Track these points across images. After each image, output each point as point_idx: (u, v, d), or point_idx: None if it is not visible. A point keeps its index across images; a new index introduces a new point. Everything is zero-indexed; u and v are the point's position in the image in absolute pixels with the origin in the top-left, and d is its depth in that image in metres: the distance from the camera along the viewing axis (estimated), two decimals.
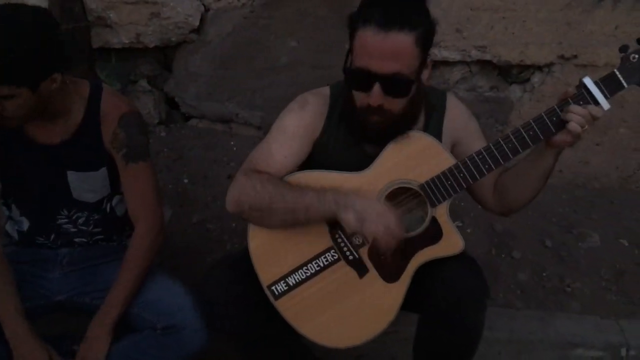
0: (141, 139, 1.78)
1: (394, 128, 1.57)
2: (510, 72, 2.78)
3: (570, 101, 1.50)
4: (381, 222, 1.48)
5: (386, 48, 1.43)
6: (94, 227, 1.87)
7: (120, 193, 1.88)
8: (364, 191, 1.58)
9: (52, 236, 1.86)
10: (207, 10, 2.74)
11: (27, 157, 1.74)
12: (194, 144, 2.93)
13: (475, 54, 2.68)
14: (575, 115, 1.47)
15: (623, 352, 2.16)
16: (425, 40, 1.48)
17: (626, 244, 2.63)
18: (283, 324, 1.70)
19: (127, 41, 2.71)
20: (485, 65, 2.76)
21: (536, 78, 2.76)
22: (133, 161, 1.76)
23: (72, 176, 1.77)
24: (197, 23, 2.72)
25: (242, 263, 1.68)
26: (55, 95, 1.65)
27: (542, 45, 2.64)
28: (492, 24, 2.60)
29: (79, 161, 1.76)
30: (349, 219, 1.49)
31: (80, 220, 1.85)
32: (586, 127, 1.49)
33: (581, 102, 1.51)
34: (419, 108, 1.63)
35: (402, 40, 1.43)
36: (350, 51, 1.55)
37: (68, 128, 1.73)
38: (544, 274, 2.48)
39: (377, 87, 1.47)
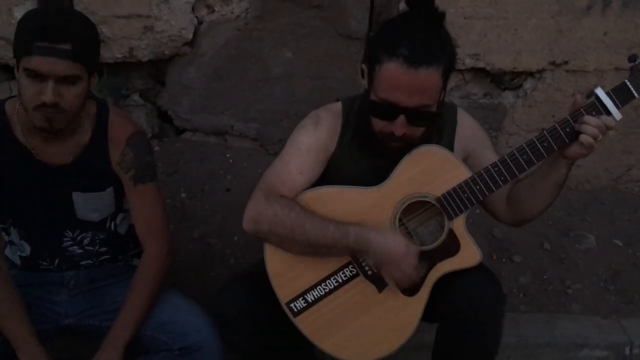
0: (149, 159, 1.77)
1: (409, 149, 1.59)
2: (503, 79, 2.82)
3: (583, 112, 1.53)
4: (399, 269, 1.55)
5: (415, 84, 1.45)
6: (100, 246, 1.84)
7: (124, 211, 1.86)
8: (381, 207, 1.61)
9: (57, 260, 1.82)
10: (200, 23, 2.71)
11: (33, 178, 1.70)
12: (189, 158, 2.90)
13: (469, 62, 2.71)
14: (589, 127, 1.49)
15: (627, 350, 2.21)
16: (450, 70, 1.51)
17: (620, 244, 2.70)
18: (297, 339, 1.71)
19: (120, 56, 2.67)
20: (477, 72, 2.80)
21: (528, 84, 2.82)
22: (141, 182, 1.75)
23: (77, 197, 1.74)
24: (190, 36, 2.69)
25: (256, 279, 1.68)
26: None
27: (534, 52, 2.69)
28: (485, 32, 2.64)
29: (86, 182, 1.73)
30: (368, 262, 1.59)
31: (86, 241, 1.82)
32: (600, 137, 1.51)
33: (593, 113, 1.53)
34: (438, 127, 1.65)
35: (431, 76, 1.45)
36: (369, 76, 1.56)
37: (76, 148, 1.70)
38: (545, 277, 2.52)
39: (401, 118, 1.49)
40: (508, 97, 2.86)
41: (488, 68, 2.73)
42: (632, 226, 2.81)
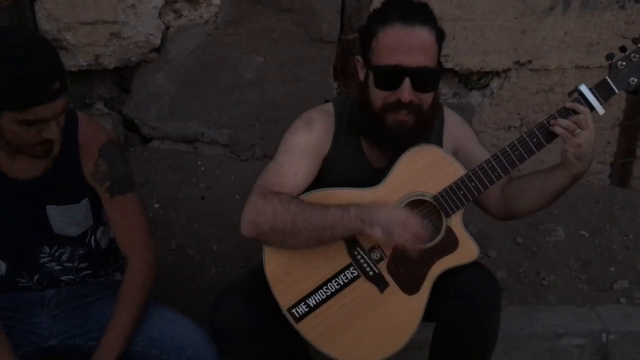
0: (124, 168, 1.70)
1: (418, 129, 1.59)
2: (470, 79, 2.89)
3: (556, 114, 1.60)
4: (407, 231, 1.52)
5: (413, 41, 1.48)
6: (79, 262, 1.77)
7: (104, 224, 1.79)
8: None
9: (36, 277, 1.74)
10: (167, 28, 2.64)
11: (3, 194, 1.62)
12: (159, 167, 2.82)
13: None
14: (559, 128, 1.57)
15: (604, 337, 2.30)
16: (441, 41, 1.55)
17: (587, 235, 2.81)
18: (297, 345, 1.69)
19: (85, 63, 2.57)
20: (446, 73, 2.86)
21: (495, 83, 2.90)
22: (119, 193, 1.68)
23: (52, 211, 1.66)
24: (158, 42, 2.62)
25: (252, 288, 1.65)
26: None
27: (499, 52, 2.78)
28: (453, 33, 2.69)
29: (59, 194, 1.65)
30: (376, 234, 1.52)
31: (64, 257, 1.74)
32: (577, 130, 1.57)
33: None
34: (436, 112, 1.67)
35: (426, 34, 1.50)
36: (366, 61, 1.58)
37: (45, 161, 1.61)
38: (520, 270, 2.60)
39: (407, 82, 1.50)
40: (475, 96, 2.93)
41: (457, 68, 2.80)
42: (595, 217, 2.93)
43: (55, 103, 1.42)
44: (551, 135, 1.61)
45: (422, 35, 1.49)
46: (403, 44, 1.48)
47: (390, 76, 1.51)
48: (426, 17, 1.51)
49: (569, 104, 1.60)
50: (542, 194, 1.69)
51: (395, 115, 1.55)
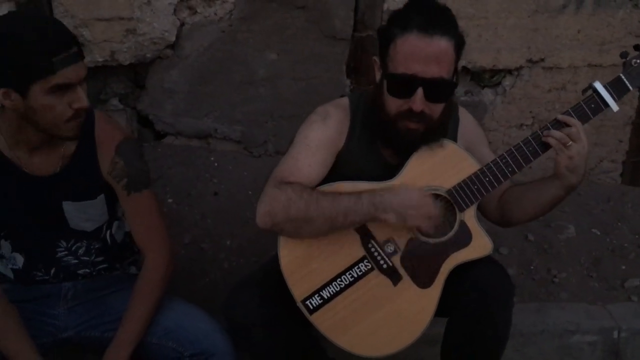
0: (141, 166, 1.72)
1: (428, 136, 1.61)
2: (482, 77, 2.90)
3: (549, 126, 1.61)
4: (421, 214, 1.55)
5: (430, 52, 1.48)
6: (95, 256, 1.79)
7: (118, 218, 1.81)
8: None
9: (53, 270, 1.76)
10: (182, 24, 2.67)
11: (21, 190, 1.64)
12: (173, 163, 2.85)
13: None
14: (552, 139, 1.58)
15: (615, 334, 2.30)
16: (460, 50, 1.55)
17: (598, 233, 2.81)
18: (310, 339, 1.71)
19: (101, 59, 2.60)
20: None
21: (507, 81, 2.90)
22: (136, 190, 1.70)
23: (68, 207, 1.68)
24: (173, 38, 2.65)
25: (266, 283, 1.67)
26: None
27: (512, 50, 2.79)
28: (467, 31, 2.66)
29: (75, 191, 1.67)
30: (389, 219, 1.55)
31: (81, 251, 1.76)
32: (570, 143, 1.57)
33: (592, 105, 1.61)
34: (450, 116, 1.68)
35: (445, 45, 1.49)
36: (382, 63, 1.59)
37: (63, 158, 1.64)
38: (532, 267, 2.60)
39: (420, 92, 1.51)
40: (487, 94, 2.94)
41: (469, 66, 2.81)
42: (606, 215, 2.93)
43: (78, 65, 1.46)
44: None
45: (440, 45, 1.48)
46: (420, 54, 1.48)
47: (404, 85, 1.52)
48: (447, 26, 1.50)
49: (560, 117, 1.61)
50: (537, 204, 1.71)
51: (406, 123, 1.56)
